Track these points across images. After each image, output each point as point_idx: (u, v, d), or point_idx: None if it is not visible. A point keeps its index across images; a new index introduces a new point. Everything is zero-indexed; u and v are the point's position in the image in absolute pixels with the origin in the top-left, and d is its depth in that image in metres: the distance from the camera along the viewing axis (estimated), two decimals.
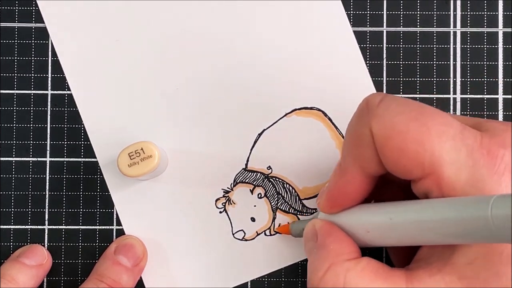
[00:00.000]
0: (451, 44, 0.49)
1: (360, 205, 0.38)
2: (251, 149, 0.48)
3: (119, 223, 0.48)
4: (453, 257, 0.34)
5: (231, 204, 0.48)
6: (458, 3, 0.49)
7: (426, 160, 0.34)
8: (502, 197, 0.29)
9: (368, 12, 0.49)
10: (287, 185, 0.48)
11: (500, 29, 0.49)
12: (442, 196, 0.34)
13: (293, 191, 0.48)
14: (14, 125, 0.48)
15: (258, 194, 0.48)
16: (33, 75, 0.49)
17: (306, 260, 0.48)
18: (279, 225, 0.48)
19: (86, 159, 0.48)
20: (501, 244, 0.33)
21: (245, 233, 0.48)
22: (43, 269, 0.47)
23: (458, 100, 0.49)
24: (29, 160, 0.48)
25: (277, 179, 0.48)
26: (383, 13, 0.49)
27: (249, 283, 0.48)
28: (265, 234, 0.48)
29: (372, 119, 0.35)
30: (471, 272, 0.33)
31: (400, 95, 0.49)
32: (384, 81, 0.49)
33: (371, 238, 0.37)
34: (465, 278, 0.33)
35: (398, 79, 0.49)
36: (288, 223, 0.47)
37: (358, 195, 0.38)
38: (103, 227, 0.48)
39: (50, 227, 0.48)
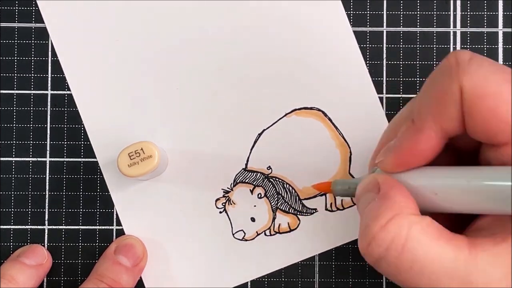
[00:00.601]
0: (451, 44, 0.49)
1: (426, 167, 0.36)
2: (251, 149, 0.48)
3: (119, 223, 0.48)
4: None
5: (231, 204, 0.48)
6: (458, 3, 0.49)
7: None
8: None
9: (368, 12, 0.49)
10: (287, 185, 0.48)
11: (500, 29, 0.49)
12: None
13: (293, 191, 0.48)
14: (14, 125, 0.48)
15: (258, 194, 0.48)
16: (33, 75, 0.49)
17: (306, 260, 0.48)
18: (273, 228, 0.48)
19: (86, 159, 0.48)
20: None
21: (245, 233, 0.48)
22: (43, 269, 0.47)
23: None
24: (29, 160, 0.48)
25: (277, 179, 0.48)
26: (383, 13, 0.49)
27: (249, 283, 0.48)
28: (265, 234, 0.48)
29: (463, 75, 0.33)
30: None
31: (399, 95, 0.49)
32: (384, 81, 0.49)
33: (438, 201, 0.35)
34: None
35: (398, 79, 0.49)
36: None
37: (430, 154, 0.35)
38: (103, 227, 0.48)
39: (50, 227, 0.48)
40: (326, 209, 0.48)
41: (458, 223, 0.36)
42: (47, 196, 0.48)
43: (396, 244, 0.33)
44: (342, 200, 0.48)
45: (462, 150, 0.36)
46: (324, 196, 0.48)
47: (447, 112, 0.34)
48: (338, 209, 0.48)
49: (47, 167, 0.48)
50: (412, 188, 0.35)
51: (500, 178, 0.33)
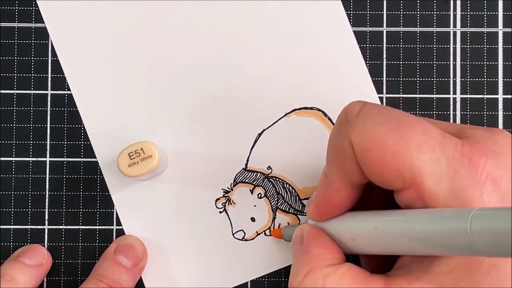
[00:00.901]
0: (451, 44, 0.49)
1: (347, 213, 0.38)
2: (251, 149, 0.48)
3: (119, 223, 0.48)
4: (433, 265, 0.34)
5: (231, 204, 0.48)
6: (458, 3, 0.49)
7: (407, 172, 0.33)
8: (482, 211, 0.29)
9: (368, 12, 0.49)
10: (287, 185, 0.48)
11: (500, 29, 0.49)
12: (424, 207, 0.34)
13: (293, 191, 0.48)
14: (14, 125, 0.48)
15: (258, 194, 0.48)
16: (33, 75, 0.49)
17: None
18: (273, 228, 0.48)
19: (86, 159, 0.48)
20: None
21: (245, 233, 0.48)
22: (43, 269, 0.47)
23: (458, 100, 0.49)
24: (29, 160, 0.48)
25: (277, 179, 0.48)
26: (383, 13, 0.49)
27: (249, 283, 0.48)
28: (265, 234, 0.48)
29: (351, 130, 0.35)
30: (450, 281, 0.33)
31: (399, 95, 0.49)
32: (384, 81, 0.49)
33: (357, 245, 0.37)
34: (444, 287, 0.33)
35: (398, 79, 0.49)
36: (280, 227, 0.47)
37: (345, 203, 0.38)
38: (103, 227, 0.48)
39: (50, 227, 0.48)
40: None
41: (391, 260, 0.38)
42: (47, 196, 0.48)
43: None
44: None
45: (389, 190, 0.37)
46: None
47: (345, 165, 0.36)
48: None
49: (47, 167, 0.48)
50: (336, 235, 0.38)
51: (397, 223, 0.34)
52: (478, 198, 0.33)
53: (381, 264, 0.40)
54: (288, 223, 0.48)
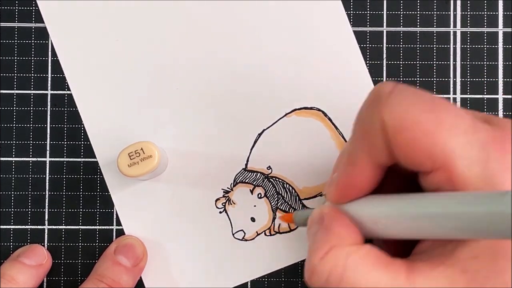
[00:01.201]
0: (451, 44, 0.49)
1: (369, 196, 0.38)
2: (251, 149, 0.48)
3: (119, 223, 0.48)
4: (457, 250, 0.33)
5: (231, 204, 0.48)
6: (458, 3, 0.49)
7: (438, 153, 0.33)
8: None
9: (368, 12, 0.49)
10: (287, 185, 0.48)
11: (500, 29, 0.49)
12: (453, 191, 0.33)
13: (293, 191, 0.48)
14: (14, 125, 0.48)
15: (258, 194, 0.48)
16: (33, 75, 0.49)
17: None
18: (273, 228, 0.48)
19: (86, 159, 0.48)
20: (507, 240, 0.33)
21: (245, 233, 0.48)
22: (43, 269, 0.47)
23: (458, 100, 0.49)
24: (29, 160, 0.48)
25: (277, 179, 0.48)
26: (383, 13, 0.49)
27: (249, 283, 0.48)
28: (265, 234, 0.48)
29: (383, 109, 0.34)
30: (474, 266, 0.33)
31: None
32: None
33: (379, 229, 0.36)
34: (467, 272, 0.33)
35: (398, 79, 0.49)
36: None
37: (368, 185, 0.37)
38: (103, 227, 0.48)
39: (50, 227, 0.48)
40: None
41: (407, 246, 0.38)
42: (47, 196, 0.48)
43: (334, 274, 0.35)
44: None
45: (408, 175, 0.37)
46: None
47: (374, 145, 0.35)
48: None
49: (47, 167, 0.48)
50: (355, 218, 0.37)
51: (426, 206, 0.34)
52: (508, 184, 0.32)
53: (398, 249, 0.39)
54: (288, 223, 0.48)
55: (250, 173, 0.48)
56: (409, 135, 0.33)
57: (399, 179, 0.38)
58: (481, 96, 0.49)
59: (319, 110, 0.48)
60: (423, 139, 0.33)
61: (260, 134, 0.48)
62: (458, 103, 0.49)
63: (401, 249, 0.38)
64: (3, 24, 0.49)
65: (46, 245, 0.48)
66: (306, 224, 0.42)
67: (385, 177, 0.38)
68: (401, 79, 0.49)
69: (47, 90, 0.49)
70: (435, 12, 0.49)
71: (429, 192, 0.35)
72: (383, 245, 0.40)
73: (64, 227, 0.48)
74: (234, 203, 0.48)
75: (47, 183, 0.48)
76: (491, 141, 0.33)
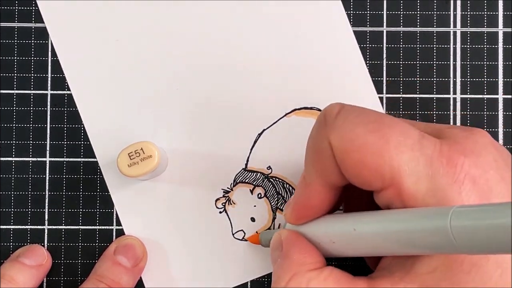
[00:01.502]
0: (451, 44, 0.49)
1: (325, 216, 0.38)
2: (251, 149, 0.48)
3: (119, 223, 0.48)
4: (415, 266, 0.34)
5: (231, 204, 0.48)
6: (458, 3, 0.49)
7: (386, 172, 0.33)
8: (461, 209, 0.29)
9: (368, 12, 0.49)
10: (287, 185, 0.48)
11: (500, 29, 0.49)
12: (403, 207, 0.34)
13: (293, 191, 0.48)
14: (14, 125, 0.48)
15: (258, 194, 0.48)
16: (33, 75, 0.49)
17: None
18: (273, 228, 0.48)
19: (86, 159, 0.48)
20: None
21: (245, 233, 0.48)
22: (43, 269, 0.47)
23: (458, 100, 0.49)
24: (29, 160, 0.48)
25: (277, 179, 0.48)
26: (383, 13, 0.49)
27: (249, 283, 0.48)
28: None
29: (330, 132, 0.35)
30: (432, 281, 0.33)
31: (399, 95, 0.49)
32: (384, 81, 0.49)
33: (336, 248, 0.37)
34: (426, 287, 0.33)
35: (398, 79, 0.49)
36: (257, 232, 0.47)
37: (323, 206, 0.38)
38: (103, 227, 0.48)
39: (50, 227, 0.48)
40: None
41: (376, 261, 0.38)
42: (47, 196, 0.48)
43: None
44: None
45: (369, 191, 0.37)
46: None
47: (325, 166, 0.36)
48: None
49: (47, 167, 0.48)
50: (314, 238, 0.38)
51: (375, 223, 0.34)
52: (457, 197, 0.33)
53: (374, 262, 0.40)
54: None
55: (250, 173, 0.48)
56: (356, 156, 0.34)
57: (362, 195, 0.38)
58: (481, 96, 0.49)
59: (319, 110, 0.48)
60: (370, 159, 0.33)
61: (260, 134, 0.48)
62: (458, 103, 0.49)
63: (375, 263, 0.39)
64: (3, 24, 0.49)
65: (46, 245, 0.48)
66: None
67: (349, 193, 0.39)
68: (401, 79, 0.49)
69: (47, 90, 0.49)
70: (435, 12, 0.49)
71: (381, 210, 0.35)
72: (369, 258, 0.40)
73: (64, 227, 0.48)
74: (234, 203, 0.48)
75: (47, 183, 0.48)
76: (438, 155, 0.34)
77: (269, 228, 0.48)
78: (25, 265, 0.46)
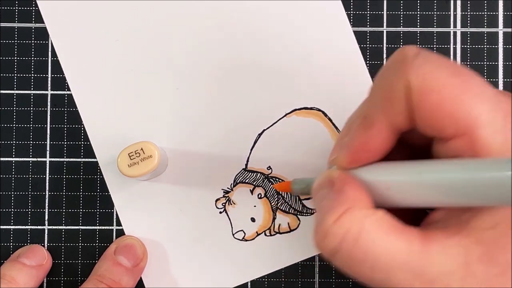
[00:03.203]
0: (451, 44, 0.49)
1: (380, 162, 0.36)
2: (251, 149, 0.48)
3: (119, 223, 0.48)
4: (473, 220, 0.33)
5: (231, 204, 0.48)
6: (458, 3, 0.49)
7: (463, 118, 0.32)
8: None
9: (368, 12, 0.49)
10: None
11: (500, 29, 0.49)
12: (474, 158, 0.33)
13: None
14: (14, 125, 0.48)
15: (258, 194, 0.48)
16: (33, 75, 0.49)
17: (306, 260, 0.48)
18: (273, 228, 0.48)
19: (86, 159, 0.48)
20: None
21: (245, 233, 0.48)
22: (43, 269, 0.47)
23: None
24: (29, 160, 0.48)
25: (277, 179, 0.48)
26: (383, 13, 0.49)
27: (249, 283, 0.48)
28: (265, 234, 0.48)
29: (410, 70, 0.33)
30: (490, 237, 0.32)
31: None
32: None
33: (391, 196, 0.35)
34: (483, 242, 0.32)
35: None
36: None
37: (382, 150, 0.36)
38: (103, 227, 0.48)
39: (50, 227, 0.48)
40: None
41: (415, 217, 0.37)
42: (47, 196, 0.48)
43: (349, 237, 0.33)
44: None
45: (416, 146, 0.36)
46: None
47: (395, 107, 0.34)
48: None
49: (47, 167, 0.48)
50: (366, 183, 0.35)
51: (449, 170, 0.33)
52: None
53: (408, 219, 0.37)
54: (288, 223, 0.48)
55: (250, 173, 0.48)
56: (435, 97, 0.33)
57: (406, 150, 0.37)
58: None
59: (319, 110, 0.48)
60: (449, 102, 0.32)
61: (260, 134, 0.48)
62: None
63: (412, 219, 0.37)
64: (3, 24, 0.49)
65: (46, 245, 0.48)
66: (306, 193, 0.41)
67: (395, 149, 0.37)
68: None
69: (47, 90, 0.49)
70: (435, 12, 0.49)
71: (446, 159, 0.34)
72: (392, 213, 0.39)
73: (64, 227, 0.48)
74: (234, 203, 0.48)
75: (47, 183, 0.48)
76: None
77: (269, 228, 0.48)
78: (25, 265, 0.46)
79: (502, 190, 0.30)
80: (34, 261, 0.47)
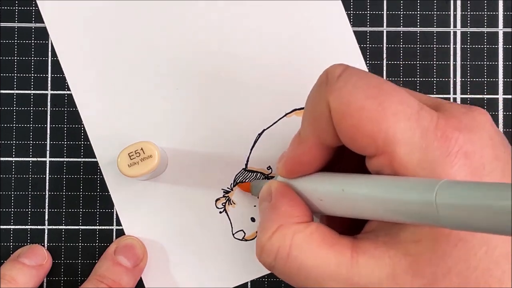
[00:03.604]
0: (451, 44, 0.49)
1: (317, 173, 0.38)
2: (251, 149, 0.48)
3: (119, 223, 0.48)
4: (400, 233, 0.34)
5: (231, 204, 0.48)
6: (458, 3, 0.49)
7: (380, 139, 0.33)
8: (448, 183, 0.29)
9: (368, 12, 0.49)
10: None
11: (500, 29, 0.49)
12: (394, 175, 0.34)
13: None
14: (14, 125, 0.48)
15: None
16: (33, 75, 0.49)
17: None
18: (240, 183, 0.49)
19: (86, 159, 0.48)
20: None
21: (245, 233, 0.48)
22: (43, 269, 0.47)
23: (458, 100, 0.49)
24: (29, 160, 0.48)
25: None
26: (383, 13, 0.49)
27: (249, 283, 0.48)
28: None
29: (330, 93, 0.34)
30: (416, 250, 0.33)
31: None
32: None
33: (323, 206, 0.37)
34: (409, 255, 0.33)
35: (398, 79, 0.49)
36: (250, 181, 0.48)
37: (315, 163, 0.38)
38: (103, 227, 0.48)
39: (50, 227, 0.48)
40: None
41: (357, 225, 0.38)
42: (47, 196, 0.48)
43: (281, 253, 0.36)
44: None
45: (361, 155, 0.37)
46: None
47: (321, 126, 0.35)
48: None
49: (47, 167, 0.48)
50: (304, 193, 0.38)
51: (364, 187, 0.34)
52: (448, 171, 0.33)
53: (349, 227, 0.39)
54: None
55: (250, 173, 0.48)
56: (352, 120, 0.34)
57: (354, 158, 0.38)
58: (481, 96, 0.49)
59: None
60: (366, 124, 0.33)
61: (260, 134, 0.48)
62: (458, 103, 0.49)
63: (354, 225, 0.39)
64: (3, 24, 0.49)
65: (46, 245, 0.48)
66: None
67: (342, 155, 0.39)
68: (401, 79, 0.49)
69: (47, 90, 0.49)
70: (435, 12, 0.49)
71: (372, 174, 0.35)
72: (336, 219, 0.40)
73: (64, 227, 0.48)
74: (234, 203, 0.48)
75: (47, 183, 0.48)
76: (434, 128, 0.33)
77: None
78: (25, 265, 0.46)
79: (414, 210, 0.31)
80: (34, 261, 0.47)
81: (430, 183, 0.30)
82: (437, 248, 0.33)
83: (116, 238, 0.48)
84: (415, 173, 0.33)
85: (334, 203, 0.36)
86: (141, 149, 0.44)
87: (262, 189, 0.41)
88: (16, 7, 0.49)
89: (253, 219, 0.48)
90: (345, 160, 0.39)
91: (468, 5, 0.49)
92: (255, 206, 0.48)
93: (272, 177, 0.48)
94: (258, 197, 0.45)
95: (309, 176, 0.38)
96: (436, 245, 0.33)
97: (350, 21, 0.49)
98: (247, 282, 0.48)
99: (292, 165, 0.38)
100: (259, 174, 0.48)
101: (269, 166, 0.48)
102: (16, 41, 0.49)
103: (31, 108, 0.49)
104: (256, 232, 0.48)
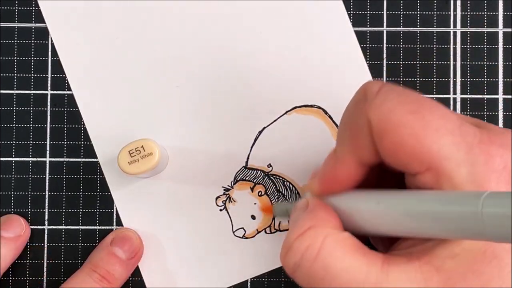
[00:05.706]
0: (451, 44, 0.49)
1: (352, 191, 0.38)
2: (252, 147, 0.48)
3: (119, 223, 0.48)
4: (436, 248, 0.33)
5: (231, 202, 0.48)
6: (458, 3, 0.49)
7: (425, 155, 0.33)
8: (495, 194, 0.29)
9: (368, 12, 0.49)
10: (287, 183, 0.48)
11: (500, 29, 0.49)
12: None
13: (294, 188, 0.48)
14: (14, 125, 0.48)
15: (259, 192, 0.48)
16: (33, 75, 0.49)
17: None
18: (274, 226, 0.48)
19: (86, 159, 0.48)
20: (486, 242, 0.32)
21: (245, 231, 0.48)
22: (22, 239, 0.47)
23: (458, 100, 0.49)
24: (29, 160, 0.48)
25: (277, 177, 0.48)
26: (383, 13, 0.49)
27: (249, 282, 0.48)
28: (266, 232, 0.48)
29: (369, 109, 0.34)
30: (450, 265, 0.33)
31: None
32: (384, 81, 0.48)
33: (358, 223, 0.36)
34: (443, 270, 0.33)
35: (398, 79, 0.49)
36: (257, 230, 0.48)
37: (351, 182, 0.37)
38: (103, 227, 0.48)
39: (50, 227, 0.48)
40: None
41: (386, 244, 0.38)
42: (47, 196, 0.48)
43: (309, 253, 0.34)
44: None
45: (399, 173, 0.37)
46: None
47: (360, 144, 0.35)
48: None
49: (47, 167, 0.48)
50: (337, 210, 0.37)
51: (407, 203, 0.33)
52: (494, 186, 0.32)
53: (378, 247, 0.39)
54: (288, 221, 0.48)
55: (251, 171, 0.48)
56: (394, 137, 0.33)
57: (391, 177, 0.38)
58: (481, 96, 0.49)
59: (319, 108, 0.48)
60: (409, 141, 0.33)
61: (260, 132, 0.48)
62: (458, 103, 0.49)
63: (381, 247, 0.39)
64: (3, 24, 0.49)
65: (46, 245, 0.48)
66: (285, 215, 0.43)
67: (378, 175, 0.38)
68: (401, 79, 0.49)
69: (47, 90, 0.49)
70: (435, 12, 0.49)
71: (410, 189, 0.35)
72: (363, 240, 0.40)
73: (64, 227, 0.48)
74: (234, 201, 0.48)
75: (47, 183, 0.48)
76: (478, 143, 0.33)
77: (269, 226, 0.48)
78: (3, 237, 0.46)
79: (463, 223, 0.30)
80: (12, 233, 0.46)
81: (476, 193, 0.30)
82: (473, 264, 0.33)
83: None
84: (463, 188, 0.33)
85: (369, 220, 0.36)
86: (142, 146, 0.44)
87: (298, 203, 0.40)
88: (16, 7, 0.49)
89: (253, 217, 0.48)
90: (379, 178, 0.39)
91: (468, 5, 0.49)
92: (255, 204, 0.48)
93: (272, 174, 0.48)
94: (278, 216, 0.46)
95: (344, 193, 0.38)
96: (471, 261, 0.33)
97: (350, 21, 0.49)
98: (247, 280, 0.48)
99: (328, 184, 0.38)
100: (259, 171, 0.48)
101: (269, 164, 0.48)
102: (16, 41, 0.49)
103: (31, 108, 0.49)
104: (257, 230, 0.48)
